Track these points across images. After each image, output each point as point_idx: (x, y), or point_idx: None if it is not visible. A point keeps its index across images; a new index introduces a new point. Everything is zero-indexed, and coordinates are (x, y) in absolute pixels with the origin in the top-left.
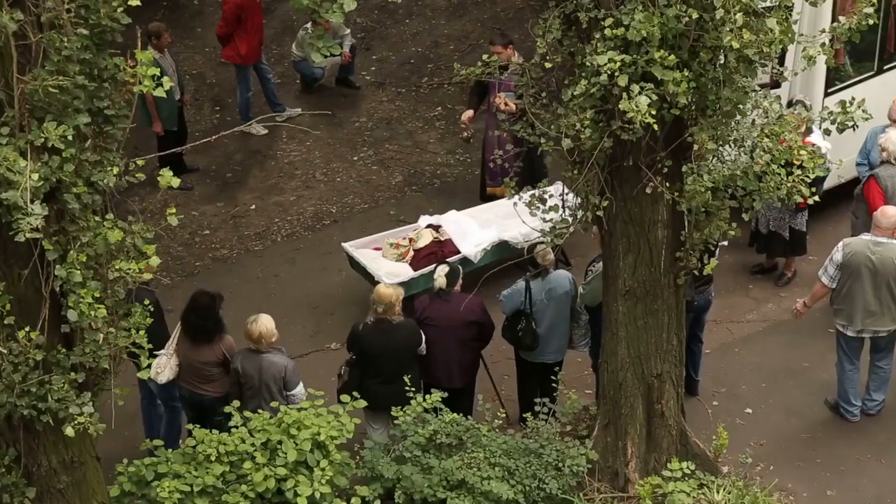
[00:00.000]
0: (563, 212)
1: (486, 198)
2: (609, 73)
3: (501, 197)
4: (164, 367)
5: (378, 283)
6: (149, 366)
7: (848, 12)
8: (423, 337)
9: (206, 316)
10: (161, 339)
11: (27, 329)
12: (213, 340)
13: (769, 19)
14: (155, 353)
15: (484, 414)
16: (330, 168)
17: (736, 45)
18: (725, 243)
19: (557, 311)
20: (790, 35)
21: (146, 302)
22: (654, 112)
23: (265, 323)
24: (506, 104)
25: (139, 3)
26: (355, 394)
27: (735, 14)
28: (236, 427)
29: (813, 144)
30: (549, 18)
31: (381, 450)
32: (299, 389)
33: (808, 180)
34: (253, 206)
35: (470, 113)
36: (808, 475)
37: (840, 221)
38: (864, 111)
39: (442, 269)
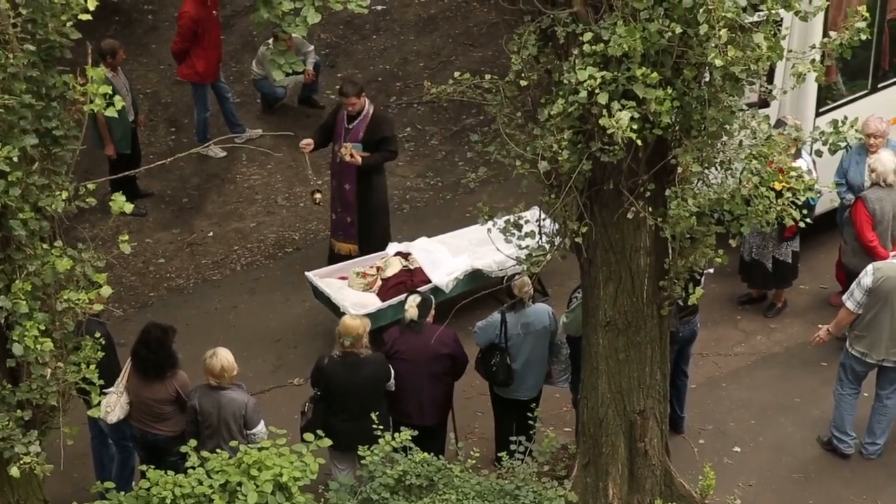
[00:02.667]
0: (540, 238)
1: (336, 258)
2: (588, 90)
3: (348, 255)
4: (113, 405)
5: (344, 314)
6: (99, 403)
7: (839, 27)
8: (392, 371)
9: (157, 350)
10: (113, 375)
11: None
12: (166, 376)
13: (756, 35)
14: (105, 390)
15: (456, 453)
16: (292, 193)
17: (720, 61)
18: (711, 271)
19: (535, 346)
20: (778, 51)
21: (97, 335)
22: (635, 127)
23: (225, 356)
24: (352, 156)
25: (90, 18)
26: (319, 432)
27: (720, 30)
28: (193, 468)
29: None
30: (524, 34)
31: (347, 492)
32: (260, 428)
33: (799, 202)
34: (210, 233)
35: (310, 141)
36: None
37: (833, 248)
38: (857, 131)
39: (413, 300)
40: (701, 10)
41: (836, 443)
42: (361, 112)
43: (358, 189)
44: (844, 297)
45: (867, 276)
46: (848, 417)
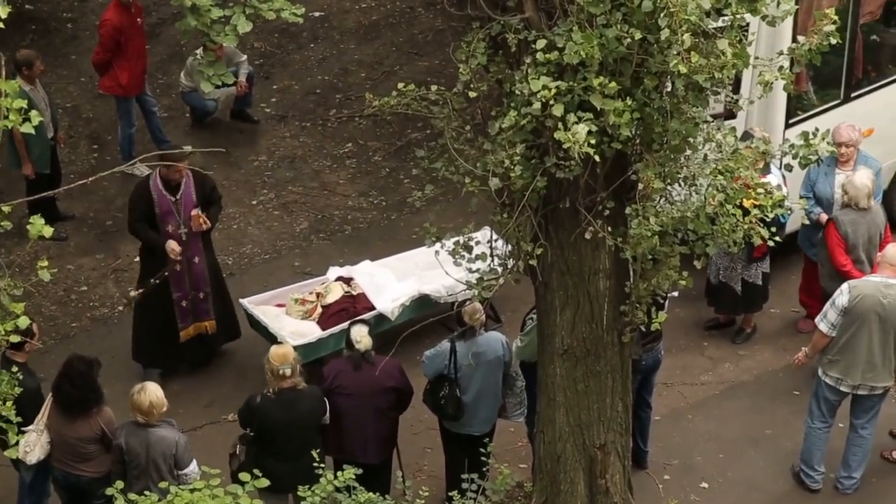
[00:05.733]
0: (492, 261)
1: (169, 356)
2: (542, 101)
3: (205, 333)
4: (33, 444)
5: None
6: (17, 443)
7: (809, 32)
8: (328, 405)
9: (81, 385)
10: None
11: None
12: (90, 413)
13: (721, 41)
14: (25, 428)
15: (404, 492)
16: (225, 213)
17: (683, 69)
18: (676, 295)
19: (486, 377)
20: (744, 58)
21: (14, 369)
22: (593, 141)
23: (154, 391)
24: (204, 222)
25: (3, 27)
26: (256, 471)
27: (682, 35)
28: None
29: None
30: (472, 41)
31: None
32: (192, 468)
33: (768, 219)
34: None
35: (174, 243)
36: None
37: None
38: (829, 144)
39: (361, 329)
40: (662, 15)
41: (803, 477)
42: (183, 176)
43: (206, 257)
44: (817, 318)
45: (842, 296)
46: (817, 452)
